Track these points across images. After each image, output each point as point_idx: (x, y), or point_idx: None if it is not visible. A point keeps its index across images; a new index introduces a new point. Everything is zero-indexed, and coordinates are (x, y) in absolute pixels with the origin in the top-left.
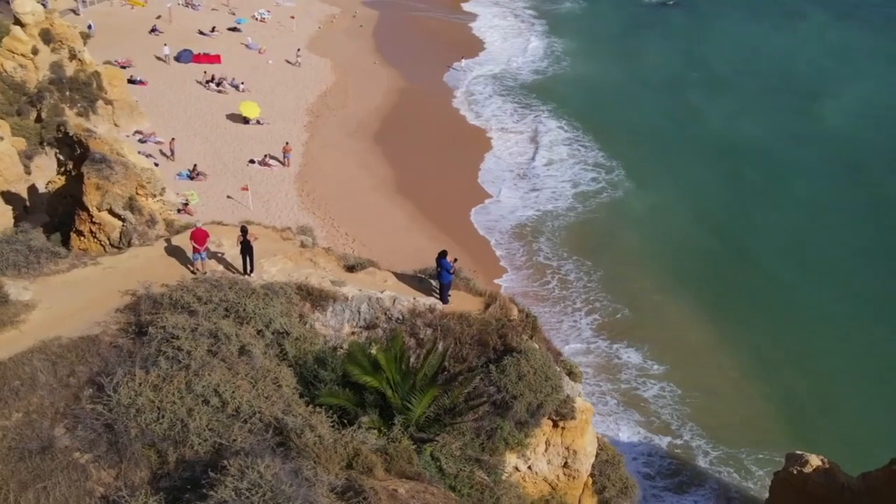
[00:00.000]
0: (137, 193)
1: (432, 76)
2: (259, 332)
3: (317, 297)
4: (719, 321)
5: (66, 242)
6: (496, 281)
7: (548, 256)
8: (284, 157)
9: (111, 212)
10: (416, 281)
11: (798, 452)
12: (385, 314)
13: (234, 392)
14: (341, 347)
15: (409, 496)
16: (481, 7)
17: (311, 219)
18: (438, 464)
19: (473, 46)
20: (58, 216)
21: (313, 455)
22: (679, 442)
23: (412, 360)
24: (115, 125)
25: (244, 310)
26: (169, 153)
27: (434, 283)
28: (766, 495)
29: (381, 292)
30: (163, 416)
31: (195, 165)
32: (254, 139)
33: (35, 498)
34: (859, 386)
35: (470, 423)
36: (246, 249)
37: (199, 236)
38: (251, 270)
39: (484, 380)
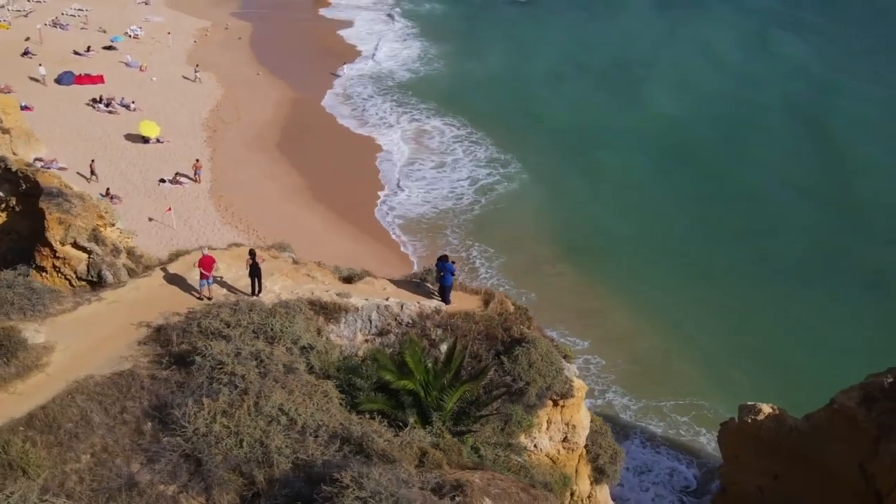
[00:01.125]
0: (98, 224)
1: (318, 84)
2: (288, 349)
3: (330, 310)
4: (619, 292)
5: None
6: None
7: (455, 249)
8: (195, 173)
9: (76, 245)
10: (412, 286)
11: (750, 403)
12: (395, 320)
13: (296, 409)
14: (356, 356)
15: (485, 484)
16: (351, 11)
17: (236, 233)
18: (478, 452)
19: (350, 52)
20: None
21: (396, 459)
22: (601, 402)
23: (428, 359)
24: (14, 154)
25: (272, 329)
26: (89, 175)
27: (430, 286)
28: (695, 440)
29: (387, 300)
30: (241, 440)
31: (108, 189)
32: (157, 158)
33: None
34: (727, 338)
35: (493, 411)
36: (255, 272)
37: (207, 263)
38: (259, 291)
39: (498, 370)
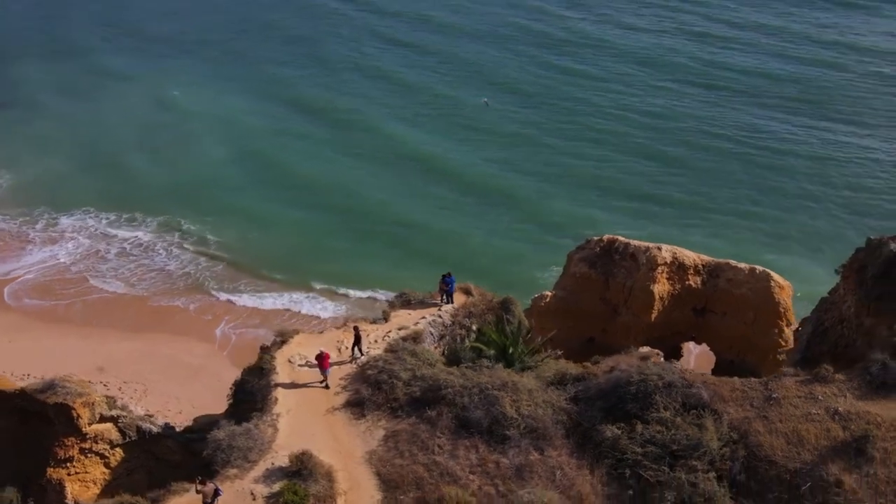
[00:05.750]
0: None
1: None
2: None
3: (416, 338)
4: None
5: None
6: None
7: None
8: None
9: (101, 419)
10: (421, 304)
11: (538, 294)
12: (443, 325)
13: (521, 380)
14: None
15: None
16: None
17: None
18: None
19: None
20: None
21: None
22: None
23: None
24: None
25: (427, 359)
26: None
27: (427, 300)
28: None
29: (423, 318)
30: (539, 407)
31: None
32: None
33: None
34: None
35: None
36: (358, 340)
37: (326, 358)
38: (363, 353)
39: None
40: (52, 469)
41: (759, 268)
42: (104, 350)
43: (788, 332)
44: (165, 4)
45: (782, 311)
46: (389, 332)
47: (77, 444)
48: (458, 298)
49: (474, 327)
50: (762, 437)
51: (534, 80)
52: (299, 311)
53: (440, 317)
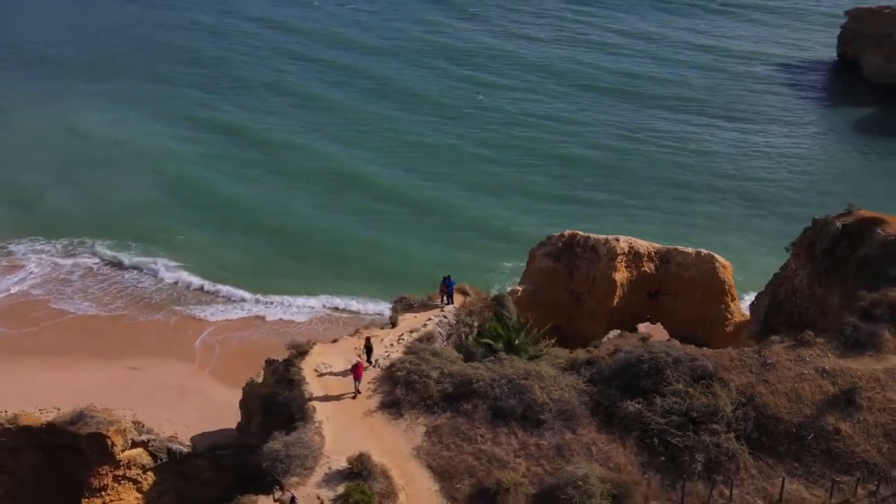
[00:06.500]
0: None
1: None
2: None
3: (429, 339)
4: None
5: None
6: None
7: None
8: None
9: (133, 444)
10: (423, 307)
11: (510, 289)
12: (449, 325)
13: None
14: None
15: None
16: None
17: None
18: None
19: None
20: None
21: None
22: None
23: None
24: None
25: (447, 357)
26: None
27: (429, 302)
28: None
29: (429, 319)
30: (563, 390)
31: None
32: None
33: None
34: None
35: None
36: (369, 349)
37: (360, 367)
38: (372, 361)
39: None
40: (86, 499)
41: (703, 251)
42: (84, 378)
43: (734, 307)
44: (64, 29)
45: (727, 288)
46: (402, 335)
47: (111, 471)
48: (457, 299)
49: (475, 324)
50: (766, 398)
51: (448, 91)
52: (272, 318)
53: (445, 317)
